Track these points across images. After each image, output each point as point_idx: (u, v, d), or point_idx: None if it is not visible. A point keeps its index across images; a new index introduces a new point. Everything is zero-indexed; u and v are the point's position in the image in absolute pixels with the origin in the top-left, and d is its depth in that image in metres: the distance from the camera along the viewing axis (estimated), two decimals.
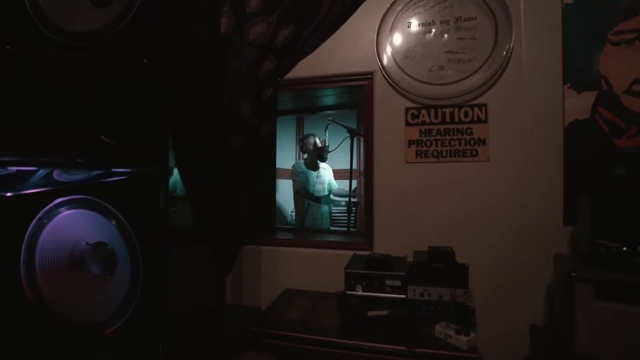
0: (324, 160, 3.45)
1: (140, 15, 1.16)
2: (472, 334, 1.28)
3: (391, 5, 1.95)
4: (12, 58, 1.14)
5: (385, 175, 1.97)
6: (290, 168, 3.57)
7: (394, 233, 1.93)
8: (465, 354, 1.24)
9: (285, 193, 4.01)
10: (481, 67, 1.82)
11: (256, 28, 2.05)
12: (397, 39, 1.95)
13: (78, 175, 1.25)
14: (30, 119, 1.18)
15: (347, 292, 1.59)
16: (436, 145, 1.90)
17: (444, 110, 1.89)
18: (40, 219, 1.24)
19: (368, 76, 2.02)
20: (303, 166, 3.46)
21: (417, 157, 1.92)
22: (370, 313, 1.47)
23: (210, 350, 1.66)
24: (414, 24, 1.93)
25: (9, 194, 1.25)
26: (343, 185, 4.22)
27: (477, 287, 1.60)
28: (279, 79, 2.16)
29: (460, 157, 1.86)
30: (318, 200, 3.41)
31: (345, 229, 3.62)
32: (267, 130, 2.10)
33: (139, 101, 1.13)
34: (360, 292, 1.57)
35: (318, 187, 3.41)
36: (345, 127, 3.08)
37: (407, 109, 1.94)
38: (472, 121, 1.86)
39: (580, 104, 1.64)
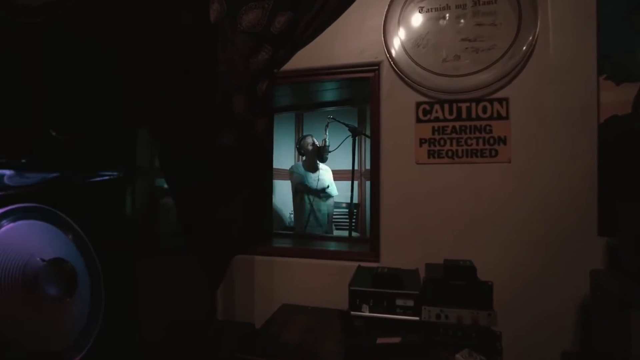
0: (324, 160, 3.24)
1: None
2: None
3: None
4: None
5: (393, 178, 1.76)
6: (288, 169, 3.36)
7: (403, 243, 1.73)
8: None
9: (283, 194, 3.81)
10: (502, 56, 1.62)
11: (250, 14, 1.85)
12: (407, 25, 1.75)
13: (32, 179, 1.05)
14: None
15: (352, 312, 1.38)
16: (451, 145, 1.69)
17: (459, 105, 1.69)
18: None
19: (374, 67, 1.82)
20: (301, 168, 3.26)
21: (429, 157, 1.71)
22: (380, 340, 1.26)
23: None
24: (426, 9, 1.72)
25: None
26: (343, 186, 4.04)
27: (499, 307, 1.39)
28: (275, 70, 1.95)
29: (478, 157, 1.66)
30: (318, 194, 3.20)
31: (347, 232, 3.44)
32: (262, 127, 1.89)
33: (102, 91, 0.93)
34: (367, 313, 1.37)
35: (319, 187, 3.21)
36: (346, 125, 2.87)
37: (418, 104, 1.73)
38: (491, 117, 1.65)
39: (620, 97, 1.44)
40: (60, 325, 1.11)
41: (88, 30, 0.93)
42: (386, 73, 1.78)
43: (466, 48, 1.67)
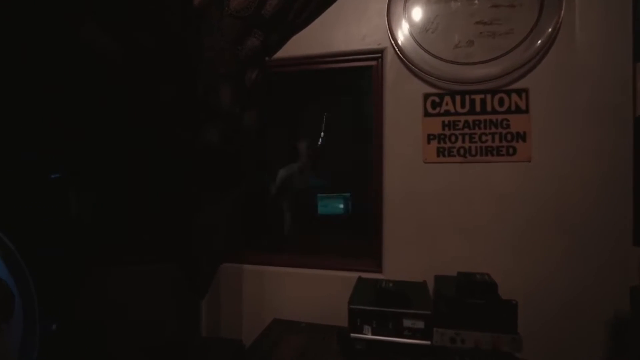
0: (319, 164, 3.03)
1: None
2: None
3: None
4: None
5: (397, 178, 1.57)
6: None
7: (409, 251, 1.54)
8: None
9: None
10: (522, 41, 1.44)
11: None
12: (414, 8, 1.56)
13: None
14: None
15: (353, 334, 1.19)
16: (463, 141, 1.50)
17: (472, 97, 1.50)
18: None
19: (377, 55, 1.63)
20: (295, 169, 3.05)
21: (438, 155, 1.52)
22: None
23: None
24: None
25: None
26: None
27: (521, 329, 1.20)
28: (266, 58, 1.75)
29: (494, 156, 1.47)
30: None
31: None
32: (252, 121, 1.69)
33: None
34: (370, 336, 1.18)
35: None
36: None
37: (427, 96, 1.55)
38: (508, 111, 1.47)
39: None
40: None
41: None
42: (390, 61, 1.59)
43: (481, 32, 1.48)
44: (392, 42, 1.57)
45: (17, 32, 0.91)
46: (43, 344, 0.89)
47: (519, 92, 1.46)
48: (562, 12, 1.38)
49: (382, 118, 1.61)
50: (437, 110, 1.53)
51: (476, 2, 1.48)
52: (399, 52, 1.56)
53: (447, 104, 1.53)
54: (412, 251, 1.53)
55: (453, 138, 1.51)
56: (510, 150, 1.46)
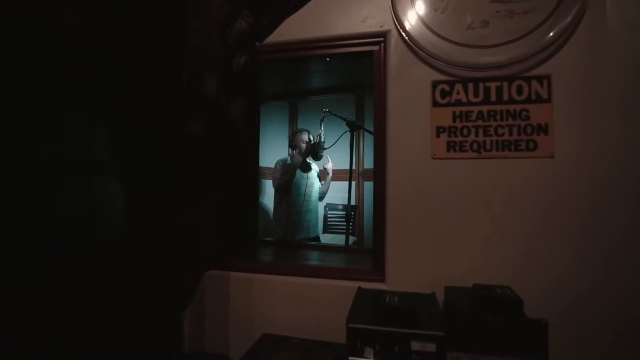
0: (318, 158, 2.87)
1: None
2: None
3: None
4: None
5: (403, 176, 1.40)
6: (274, 164, 2.97)
7: (415, 258, 1.37)
8: None
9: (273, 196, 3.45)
10: (544, 21, 1.27)
11: None
12: None
13: None
14: None
15: (352, 358, 1.02)
16: (476, 135, 1.34)
17: (487, 84, 1.33)
18: None
19: (379, 38, 1.46)
20: (292, 165, 2.88)
21: (448, 150, 1.35)
22: None
23: None
24: None
25: None
26: (339, 187, 3.69)
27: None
28: (257, 43, 1.59)
29: (512, 151, 1.30)
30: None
31: (342, 236, 3.10)
32: (239, 111, 1.52)
33: None
34: None
35: (309, 190, 2.83)
36: (344, 119, 2.51)
37: (435, 83, 1.38)
38: (528, 100, 1.30)
39: None
40: None
41: None
42: (395, 45, 1.42)
43: (497, 11, 1.31)
44: (397, 23, 1.40)
45: None
46: None
47: (540, 78, 1.29)
48: None
49: (384, 109, 1.44)
50: (447, 99, 1.36)
51: None
52: (404, 35, 1.39)
53: (458, 93, 1.36)
54: (419, 258, 1.36)
55: (465, 131, 1.34)
56: (530, 145, 1.29)
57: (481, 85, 1.34)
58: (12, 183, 0.97)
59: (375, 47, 1.47)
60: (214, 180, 1.57)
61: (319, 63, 2.86)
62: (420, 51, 1.37)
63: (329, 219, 3.84)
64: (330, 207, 3.86)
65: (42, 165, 1.12)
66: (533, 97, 1.30)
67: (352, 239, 2.95)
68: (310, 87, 3.32)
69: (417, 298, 1.20)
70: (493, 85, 1.33)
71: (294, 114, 4.03)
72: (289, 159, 2.94)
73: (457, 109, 1.35)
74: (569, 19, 1.24)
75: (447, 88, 1.37)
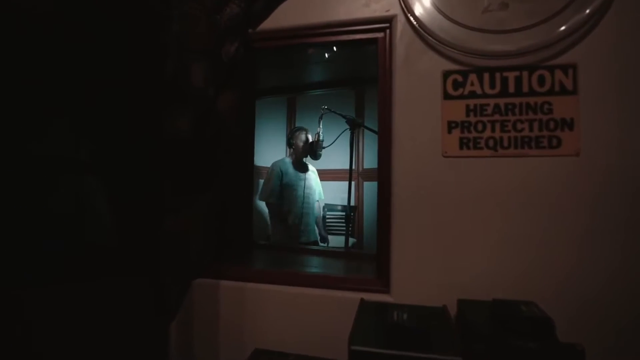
0: (317, 157, 2.73)
1: None
2: None
3: None
4: None
5: (410, 176, 1.26)
6: (270, 165, 2.83)
7: (424, 267, 1.24)
8: None
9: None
10: (570, 3, 1.13)
11: None
12: None
13: None
14: None
15: None
16: (492, 130, 1.20)
17: (505, 74, 1.20)
18: None
19: (384, 24, 1.33)
20: (290, 165, 2.75)
21: (461, 148, 1.22)
22: None
23: None
24: None
25: None
26: (337, 187, 3.57)
27: None
28: (250, 31, 1.45)
29: (532, 149, 1.17)
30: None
31: (342, 237, 2.98)
32: (229, 104, 1.39)
33: None
34: None
35: (307, 192, 2.69)
36: (344, 117, 2.37)
37: (447, 73, 1.24)
38: (551, 92, 1.17)
39: None
40: None
41: None
42: (401, 31, 1.29)
43: None
44: (404, 7, 1.27)
45: None
46: None
47: (564, 68, 1.16)
48: None
49: (390, 103, 1.31)
50: (460, 91, 1.23)
51: None
52: (412, 20, 1.25)
53: (472, 84, 1.22)
54: (427, 267, 1.23)
55: (480, 126, 1.21)
56: (554, 142, 1.16)
57: (498, 75, 1.21)
58: None
59: (380, 34, 1.34)
60: (202, 180, 1.44)
61: (317, 54, 2.73)
62: (429, 37, 1.24)
63: (327, 220, 3.71)
64: (329, 207, 3.73)
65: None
66: (557, 88, 1.16)
67: (351, 240, 2.82)
68: (307, 80, 3.18)
69: (426, 312, 1.06)
70: (511, 75, 1.20)
71: (292, 111, 3.90)
72: (286, 159, 2.81)
73: (471, 102, 1.22)
74: (598, 1, 1.10)
75: (459, 78, 1.23)
